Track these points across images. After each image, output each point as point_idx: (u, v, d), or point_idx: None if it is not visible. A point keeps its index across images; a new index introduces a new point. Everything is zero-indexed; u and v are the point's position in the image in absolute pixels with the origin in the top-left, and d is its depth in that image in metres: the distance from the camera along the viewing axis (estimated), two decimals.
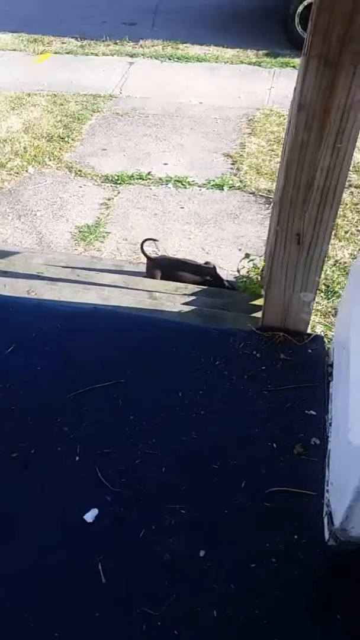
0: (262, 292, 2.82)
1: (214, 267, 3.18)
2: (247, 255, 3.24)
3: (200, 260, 3.34)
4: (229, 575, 1.59)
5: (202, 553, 1.64)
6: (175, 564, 1.61)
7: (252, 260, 3.18)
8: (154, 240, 3.51)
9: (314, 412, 2.02)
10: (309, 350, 2.27)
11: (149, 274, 3.20)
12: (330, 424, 1.95)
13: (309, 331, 2.35)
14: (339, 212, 3.82)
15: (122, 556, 1.64)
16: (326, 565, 1.63)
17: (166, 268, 3.17)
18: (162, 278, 3.14)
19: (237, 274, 3.26)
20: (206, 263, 3.24)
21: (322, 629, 1.52)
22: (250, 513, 1.73)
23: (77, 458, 1.87)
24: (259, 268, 3.16)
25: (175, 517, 1.71)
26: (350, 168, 4.40)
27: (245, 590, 1.57)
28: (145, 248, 3.28)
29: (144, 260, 3.74)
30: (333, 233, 3.68)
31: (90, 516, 1.71)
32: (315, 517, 1.71)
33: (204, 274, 3.16)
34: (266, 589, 1.57)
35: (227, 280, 3.20)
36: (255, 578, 1.59)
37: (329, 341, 2.40)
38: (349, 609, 1.54)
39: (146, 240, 3.29)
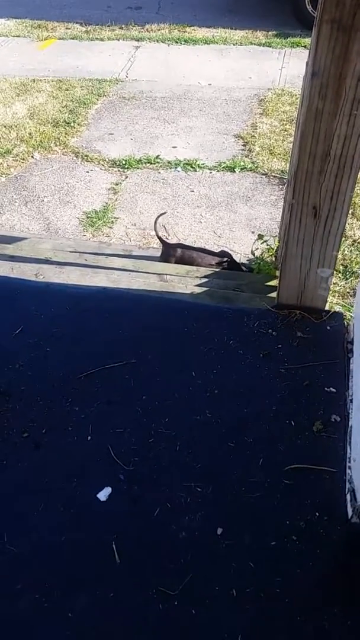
0: (277, 273, 2.75)
1: (229, 255, 3.11)
2: (260, 237, 3.17)
3: (212, 246, 3.26)
4: (247, 553, 1.55)
5: (219, 531, 1.59)
6: (192, 542, 1.57)
7: (265, 241, 3.11)
8: (163, 213, 3.39)
9: (333, 389, 1.96)
10: (328, 327, 2.21)
11: (164, 258, 3.13)
12: (351, 400, 1.89)
13: (327, 308, 2.29)
14: (357, 191, 3.76)
15: (137, 535, 1.59)
16: (349, 543, 1.57)
17: (182, 253, 3.10)
18: (178, 263, 3.08)
19: (250, 256, 3.19)
20: (221, 252, 3.17)
21: (344, 608, 1.47)
22: (269, 490, 1.67)
23: (89, 438, 1.82)
24: (273, 249, 3.09)
25: (191, 495, 1.66)
26: None
27: (265, 568, 1.52)
28: (155, 232, 3.21)
29: (154, 245, 3.69)
30: (351, 212, 3.61)
31: (103, 495, 1.67)
32: (336, 494, 1.66)
33: (220, 258, 3.09)
34: (286, 567, 1.52)
35: (243, 264, 3.13)
36: (275, 556, 1.54)
37: (348, 320, 2.33)
38: None
39: (159, 217, 3.19)
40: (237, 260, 3.12)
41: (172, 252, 3.11)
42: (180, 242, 3.39)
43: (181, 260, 3.08)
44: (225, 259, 3.07)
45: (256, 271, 3.07)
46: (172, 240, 3.40)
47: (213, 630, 1.43)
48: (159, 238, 3.16)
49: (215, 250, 3.18)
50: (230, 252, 3.15)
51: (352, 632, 1.43)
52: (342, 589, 1.51)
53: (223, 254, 3.13)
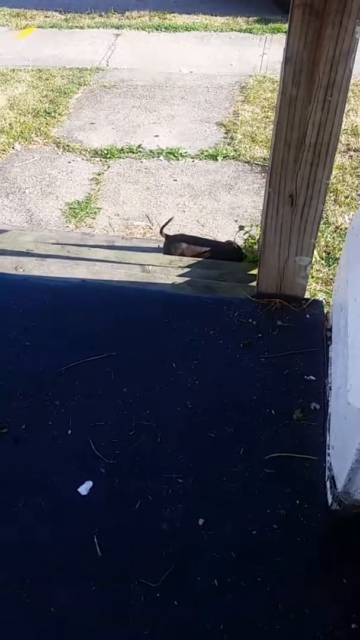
0: None
1: (232, 242, 3.09)
2: (241, 228, 3.16)
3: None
4: (229, 543, 1.55)
5: (201, 522, 1.59)
6: (174, 533, 1.57)
7: (247, 232, 3.10)
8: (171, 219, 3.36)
9: (313, 377, 1.97)
10: (307, 316, 2.21)
11: (166, 251, 3.11)
12: (330, 388, 1.90)
13: (307, 296, 2.29)
14: (338, 177, 3.76)
15: (118, 528, 1.59)
16: (329, 529, 1.58)
17: (185, 244, 3.08)
18: (182, 254, 3.05)
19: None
20: (227, 242, 3.15)
21: (328, 593, 1.48)
22: (250, 480, 1.68)
23: (69, 432, 1.82)
24: (255, 238, 3.08)
25: (173, 486, 1.66)
26: (349, 131, 4.31)
27: (247, 557, 1.53)
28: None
29: (137, 235, 3.67)
30: (333, 198, 3.61)
31: (84, 489, 1.66)
32: (316, 481, 1.67)
33: (224, 248, 3.07)
34: (268, 555, 1.53)
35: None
36: (257, 545, 1.55)
37: (329, 307, 2.33)
38: (355, 572, 1.50)
39: (167, 222, 3.16)
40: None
41: (174, 242, 3.08)
42: (181, 233, 3.34)
43: (186, 244, 3.05)
44: (234, 245, 3.04)
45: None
46: (156, 228, 3.37)
47: (195, 620, 1.44)
48: (163, 234, 3.12)
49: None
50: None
51: (333, 618, 1.44)
52: (323, 576, 1.52)
53: (229, 244, 3.10)
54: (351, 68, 1.73)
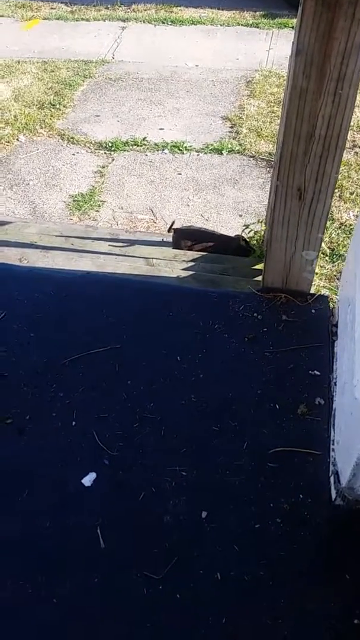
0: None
1: (240, 237, 3.08)
2: (246, 227, 3.14)
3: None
4: (232, 537, 1.55)
5: (204, 515, 1.59)
6: (177, 526, 1.57)
7: (252, 230, 3.08)
8: (187, 225, 3.35)
9: (318, 372, 1.96)
10: (313, 311, 2.20)
11: (175, 245, 3.10)
12: (335, 383, 1.89)
13: (312, 291, 2.28)
14: (344, 174, 3.74)
15: (121, 520, 1.59)
16: (333, 525, 1.58)
17: (193, 238, 3.07)
18: (190, 248, 3.04)
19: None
20: (236, 236, 3.14)
21: (330, 589, 1.48)
22: (253, 474, 1.67)
23: (73, 423, 1.81)
24: (260, 233, 3.07)
25: (176, 479, 1.66)
26: (355, 127, 4.30)
27: (249, 551, 1.53)
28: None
29: (141, 229, 3.66)
30: (338, 194, 3.59)
31: (88, 480, 1.66)
32: (320, 476, 1.66)
33: (231, 241, 3.06)
34: (271, 550, 1.53)
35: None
36: (260, 539, 1.55)
37: (334, 303, 2.32)
38: (358, 567, 1.50)
39: (172, 225, 3.16)
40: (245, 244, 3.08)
41: (183, 236, 3.07)
42: (189, 226, 3.33)
43: (194, 238, 3.04)
44: (242, 239, 3.03)
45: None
46: (160, 222, 3.36)
47: (198, 613, 1.43)
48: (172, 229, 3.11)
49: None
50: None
51: (336, 613, 1.43)
52: (326, 571, 1.52)
53: (238, 238, 3.09)
54: None
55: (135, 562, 1.51)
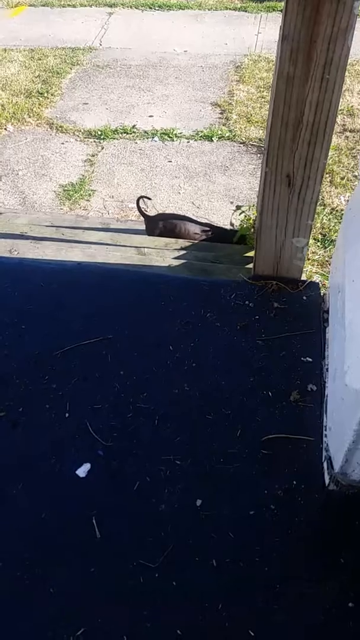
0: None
1: (212, 225, 3.09)
2: (238, 208, 3.14)
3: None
4: (227, 524, 1.56)
5: (198, 502, 1.60)
6: (172, 514, 1.58)
7: (243, 212, 3.08)
8: (148, 198, 3.36)
9: (310, 359, 1.97)
10: (304, 298, 2.20)
11: (149, 231, 3.09)
12: (327, 370, 1.90)
13: (303, 278, 2.28)
14: (334, 158, 3.73)
15: (117, 510, 1.60)
16: (326, 510, 1.60)
17: (165, 223, 3.06)
18: (163, 234, 3.04)
19: (230, 227, 3.16)
20: (206, 223, 3.15)
21: (325, 572, 1.50)
22: (247, 461, 1.68)
23: (67, 415, 1.81)
24: (251, 219, 3.06)
25: (170, 468, 1.67)
26: (345, 111, 4.28)
27: (245, 538, 1.54)
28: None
29: (132, 217, 3.64)
30: (329, 180, 3.59)
31: (82, 471, 1.66)
32: (314, 462, 1.67)
33: (204, 226, 3.06)
34: (266, 535, 1.54)
35: (231, 229, 3.09)
36: (255, 525, 1.56)
37: (326, 289, 2.33)
38: (352, 552, 1.51)
39: (140, 198, 3.16)
40: (221, 226, 3.09)
41: (155, 225, 3.07)
42: (161, 212, 3.35)
43: (165, 232, 3.05)
44: (207, 229, 3.04)
45: (236, 240, 3.05)
46: (152, 212, 3.35)
47: (194, 600, 1.45)
48: (141, 213, 3.12)
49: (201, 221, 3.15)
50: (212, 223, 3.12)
51: (331, 597, 1.45)
52: (320, 556, 1.54)
53: (207, 224, 3.10)
54: (349, 46, 1.70)
55: (131, 551, 1.52)
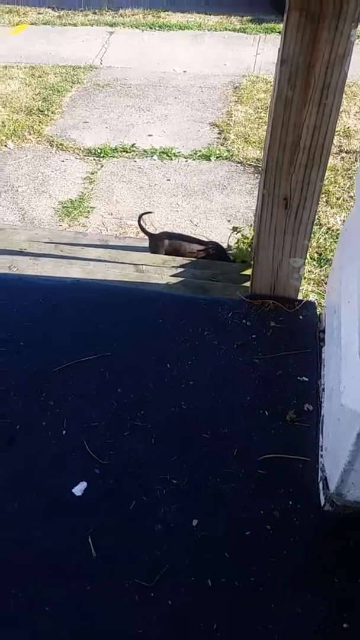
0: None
1: (217, 244, 3.12)
2: (234, 229, 3.17)
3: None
4: (222, 544, 1.56)
5: (194, 522, 1.60)
6: (168, 534, 1.58)
7: (240, 231, 3.11)
8: (149, 212, 3.39)
9: (306, 379, 1.98)
10: (300, 317, 2.23)
11: (153, 249, 3.12)
12: (323, 389, 1.91)
13: (300, 298, 2.30)
14: (330, 179, 3.78)
15: (113, 529, 1.60)
16: (322, 530, 1.60)
17: (172, 242, 3.09)
18: (169, 253, 3.07)
19: (226, 245, 3.20)
20: (210, 242, 3.18)
21: (320, 592, 1.49)
22: (243, 481, 1.69)
23: (64, 432, 1.82)
24: (248, 238, 3.10)
25: (167, 487, 1.67)
26: (341, 132, 4.34)
27: (240, 558, 1.54)
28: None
29: (131, 234, 3.67)
30: (325, 199, 3.63)
31: (79, 490, 1.66)
32: (309, 483, 1.68)
33: (207, 246, 3.09)
34: (262, 556, 1.54)
35: (229, 251, 3.13)
36: (250, 545, 1.56)
37: (322, 309, 2.35)
38: (347, 573, 1.52)
39: (142, 215, 3.19)
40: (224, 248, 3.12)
41: (160, 243, 3.09)
42: (164, 231, 3.37)
43: (171, 251, 3.07)
44: (211, 246, 3.07)
45: (233, 259, 3.08)
46: (150, 229, 3.38)
47: (189, 620, 1.45)
48: (145, 232, 3.14)
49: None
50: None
51: (325, 617, 1.45)
52: (316, 576, 1.54)
53: (212, 243, 3.12)
54: (346, 71, 1.75)
55: (127, 570, 1.52)
